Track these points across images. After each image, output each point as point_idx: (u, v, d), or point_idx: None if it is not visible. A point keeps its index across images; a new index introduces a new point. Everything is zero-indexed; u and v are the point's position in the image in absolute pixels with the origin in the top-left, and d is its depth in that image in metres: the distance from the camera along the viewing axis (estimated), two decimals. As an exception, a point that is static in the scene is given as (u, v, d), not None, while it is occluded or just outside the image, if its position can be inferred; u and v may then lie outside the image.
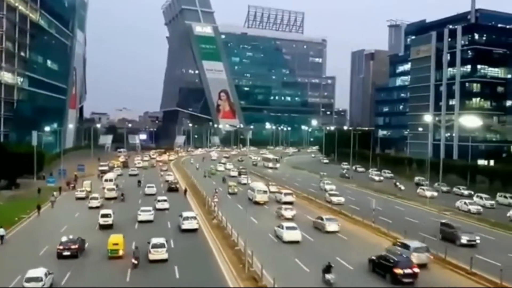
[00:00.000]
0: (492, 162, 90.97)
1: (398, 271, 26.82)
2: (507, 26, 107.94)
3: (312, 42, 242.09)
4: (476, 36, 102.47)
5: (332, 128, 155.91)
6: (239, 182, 72.08)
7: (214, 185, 67.63)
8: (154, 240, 31.80)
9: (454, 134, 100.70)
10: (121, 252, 31.99)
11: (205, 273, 29.10)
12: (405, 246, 31.43)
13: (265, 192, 56.67)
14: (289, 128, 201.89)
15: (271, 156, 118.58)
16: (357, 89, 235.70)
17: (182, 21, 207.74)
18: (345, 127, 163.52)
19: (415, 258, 29.63)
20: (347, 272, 29.31)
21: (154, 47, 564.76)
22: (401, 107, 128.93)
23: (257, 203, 54.61)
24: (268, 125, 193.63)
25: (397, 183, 77.35)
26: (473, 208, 54.15)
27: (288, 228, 37.47)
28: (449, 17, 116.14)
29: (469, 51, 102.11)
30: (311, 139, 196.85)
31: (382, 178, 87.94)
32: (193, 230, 39.92)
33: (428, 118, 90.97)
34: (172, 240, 35.97)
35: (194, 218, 41.23)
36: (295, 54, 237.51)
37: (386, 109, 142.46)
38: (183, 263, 30.53)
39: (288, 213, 46.45)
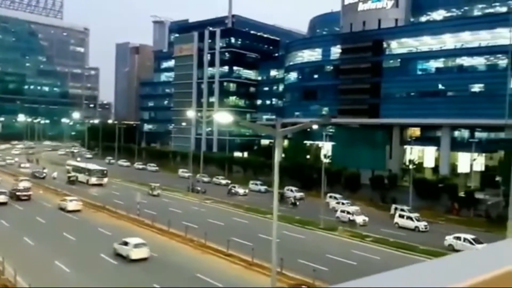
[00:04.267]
0: (246, 154, 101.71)
1: (18, 193, 54.02)
2: (259, 33, 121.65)
3: (73, 29, 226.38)
4: (233, 40, 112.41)
5: (96, 121, 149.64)
6: None
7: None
8: None
9: (214, 129, 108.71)
10: None
11: None
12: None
13: None
14: (47, 121, 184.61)
15: (93, 166, 76.87)
16: (122, 82, 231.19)
17: None
18: (110, 121, 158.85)
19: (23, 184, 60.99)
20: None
21: None
22: (166, 102, 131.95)
23: None
24: (22, 117, 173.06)
25: (292, 199, 58.86)
26: (241, 191, 65.24)
27: None
28: (210, 19, 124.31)
29: (226, 53, 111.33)
30: (73, 133, 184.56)
31: (247, 191, 66.76)
32: None
33: (190, 113, 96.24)
34: None
35: None
36: (54, 41, 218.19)
37: (151, 104, 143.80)
38: None
39: None
